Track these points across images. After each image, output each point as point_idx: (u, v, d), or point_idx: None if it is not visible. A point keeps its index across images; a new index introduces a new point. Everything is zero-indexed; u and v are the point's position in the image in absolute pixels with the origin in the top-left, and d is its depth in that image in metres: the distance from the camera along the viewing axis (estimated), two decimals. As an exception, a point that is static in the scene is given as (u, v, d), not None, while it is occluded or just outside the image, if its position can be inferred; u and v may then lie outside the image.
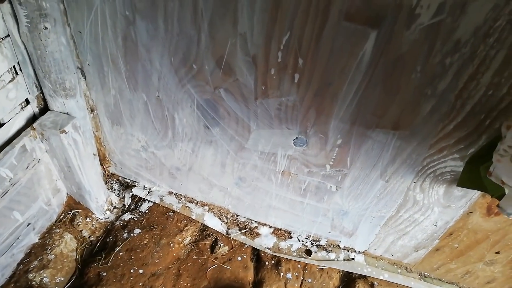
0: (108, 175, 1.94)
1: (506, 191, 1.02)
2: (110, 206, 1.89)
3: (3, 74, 1.27)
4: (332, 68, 1.11)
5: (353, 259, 1.77)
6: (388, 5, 0.93)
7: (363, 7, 0.95)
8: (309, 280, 1.70)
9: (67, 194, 1.77)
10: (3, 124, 1.34)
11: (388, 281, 1.73)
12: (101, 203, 1.82)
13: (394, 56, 1.02)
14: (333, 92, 1.17)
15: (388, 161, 1.32)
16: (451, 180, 1.30)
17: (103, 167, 1.88)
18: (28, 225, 1.55)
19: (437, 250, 1.62)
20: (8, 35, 1.25)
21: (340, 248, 1.81)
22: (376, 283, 1.72)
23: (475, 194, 1.33)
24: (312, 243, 1.82)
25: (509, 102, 1.01)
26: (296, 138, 1.37)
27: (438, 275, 1.77)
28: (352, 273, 1.76)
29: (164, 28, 1.21)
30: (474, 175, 1.13)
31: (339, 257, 1.77)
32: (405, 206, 1.47)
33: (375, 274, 1.74)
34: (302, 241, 1.82)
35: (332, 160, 1.39)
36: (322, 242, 1.81)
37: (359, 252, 1.81)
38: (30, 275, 1.52)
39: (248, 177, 1.63)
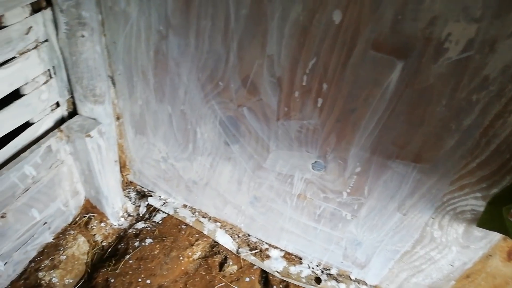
0: (126, 183, 1.98)
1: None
2: (125, 213, 1.91)
3: (38, 76, 1.33)
4: (356, 95, 1.12)
5: (363, 292, 1.72)
6: (416, 37, 0.93)
7: (391, 36, 0.96)
8: (317, 309, 1.66)
9: (85, 197, 1.81)
10: (33, 123, 1.39)
11: (398, 319, 1.67)
12: (117, 209, 1.84)
13: (419, 87, 1.02)
14: (355, 120, 1.17)
15: (407, 194, 1.29)
16: (471, 219, 1.26)
17: (122, 174, 1.91)
18: (44, 224, 1.58)
19: (453, 291, 1.55)
20: (46, 40, 1.31)
21: (351, 279, 1.76)
22: (385, 320, 1.66)
23: (496, 236, 1.28)
24: (322, 271, 1.78)
25: (536, 144, 0.98)
26: (315, 162, 1.37)
27: (452, 318, 1.69)
28: (362, 306, 1.70)
29: (195, 45, 1.25)
30: (496, 217, 1.09)
31: (349, 289, 1.73)
32: (422, 242, 1.42)
33: (386, 310, 1.68)
34: (313, 268, 1.79)
35: (350, 187, 1.37)
36: (333, 271, 1.77)
37: (370, 285, 1.75)
38: (40, 273, 1.54)
39: (263, 197, 1.62)
